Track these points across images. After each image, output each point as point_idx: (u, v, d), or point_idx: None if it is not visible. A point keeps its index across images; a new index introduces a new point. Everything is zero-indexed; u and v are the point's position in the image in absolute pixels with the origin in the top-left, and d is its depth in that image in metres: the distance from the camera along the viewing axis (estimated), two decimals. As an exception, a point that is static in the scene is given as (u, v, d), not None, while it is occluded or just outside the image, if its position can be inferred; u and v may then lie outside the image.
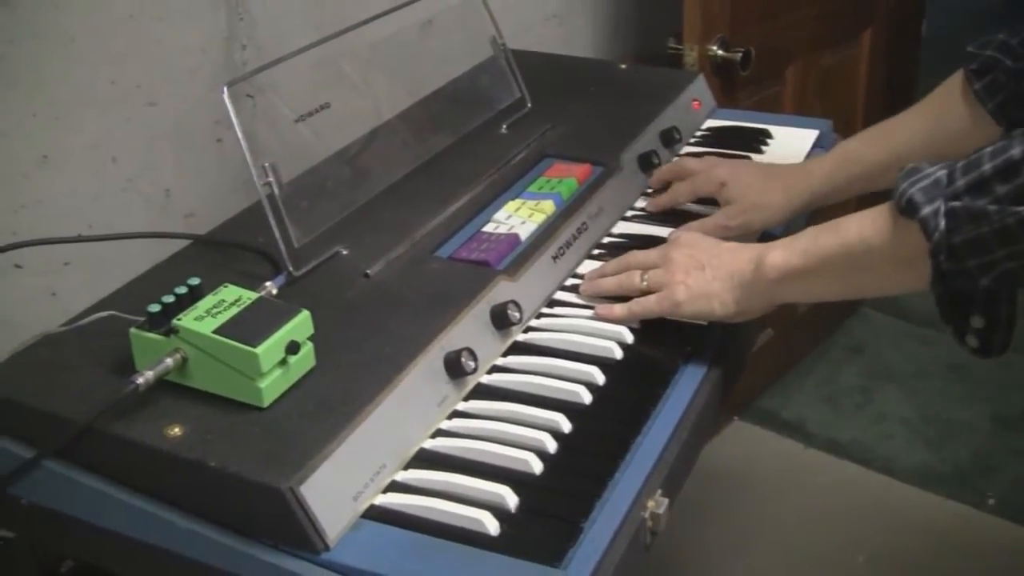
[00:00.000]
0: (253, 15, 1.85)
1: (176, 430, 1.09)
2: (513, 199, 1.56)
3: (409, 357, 1.20)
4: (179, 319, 1.14)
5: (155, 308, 1.14)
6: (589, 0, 2.65)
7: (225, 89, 1.34)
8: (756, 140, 1.87)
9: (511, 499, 1.09)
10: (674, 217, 1.64)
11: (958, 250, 1.07)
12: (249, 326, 1.13)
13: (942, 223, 1.07)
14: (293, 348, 1.14)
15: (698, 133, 1.92)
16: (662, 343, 1.36)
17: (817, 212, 1.66)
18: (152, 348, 1.15)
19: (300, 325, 1.16)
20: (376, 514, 1.09)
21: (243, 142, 1.33)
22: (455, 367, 1.23)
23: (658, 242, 1.47)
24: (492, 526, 1.05)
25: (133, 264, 1.42)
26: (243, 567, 1.06)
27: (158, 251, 1.46)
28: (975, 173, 1.06)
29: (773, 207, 1.59)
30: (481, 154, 1.69)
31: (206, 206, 1.82)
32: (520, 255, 1.43)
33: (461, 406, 1.24)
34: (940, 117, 1.54)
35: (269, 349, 1.11)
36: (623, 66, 2.09)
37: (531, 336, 1.37)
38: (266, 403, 1.12)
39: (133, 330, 1.16)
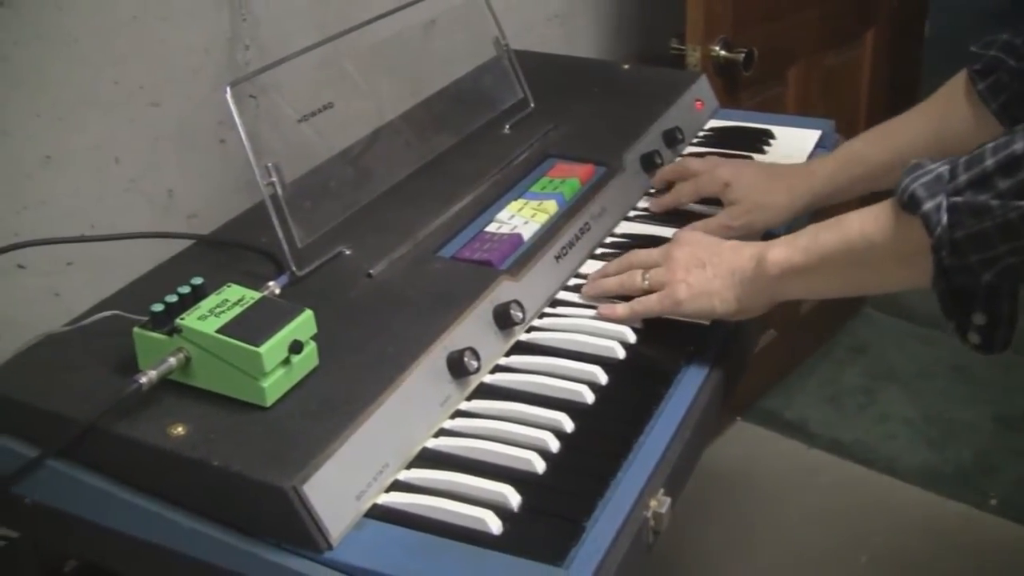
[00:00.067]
0: (256, 15, 1.85)
1: (179, 429, 1.10)
2: (516, 199, 1.56)
3: (412, 357, 1.20)
4: (182, 318, 1.14)
5: (158, 307, 1.14)
6: (592, 0, 2.65)
7: (228, 89, 1.34)
8: (759, 140, 1.87)
9: (514, 498, 1.09)
10: (677, 217, 1.64)
11: (960, 245, 1.07)
12: (252, 326, 1.13)
13: (944, 218, 1.07)
14: (296, 348, 1.14)
15: (701, 133, 1.92)
16: (665, 343, 1.37)
17: (819, 212, 1.66)
18: (155, 347, 1.15)
19: (303, 325, 1.16)
20: (379, 513, 1.09)
21: (246, 142, 1.33)
22: (458, 367, 1.23)
23: (661, 242, 1.47)
24: (495, 525, 1.06)
25: (136, 264, 1.42)
26: (246, 566, 1.06)
27: (161, 251, 1.46)
28: (977, 168, 1.06)
29: (776, 207, 1.59)
30: (484, 154, 1.69)
31: (209, 206, 1.83)
32: (523, 255, 1.43)
33: (464, 405, 1.24)
34: (944, 118, 1.54)
35: (272, 348, 1.11)
36: (626, 66, 2.09)
37: (534, 336, 1.37)
38: (269, 402, 1.13)
39: (136, 329, 1.16)
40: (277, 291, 1.31)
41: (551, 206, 1.53)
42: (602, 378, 1.28)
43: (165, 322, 1.15)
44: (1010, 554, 2.67)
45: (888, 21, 3.14)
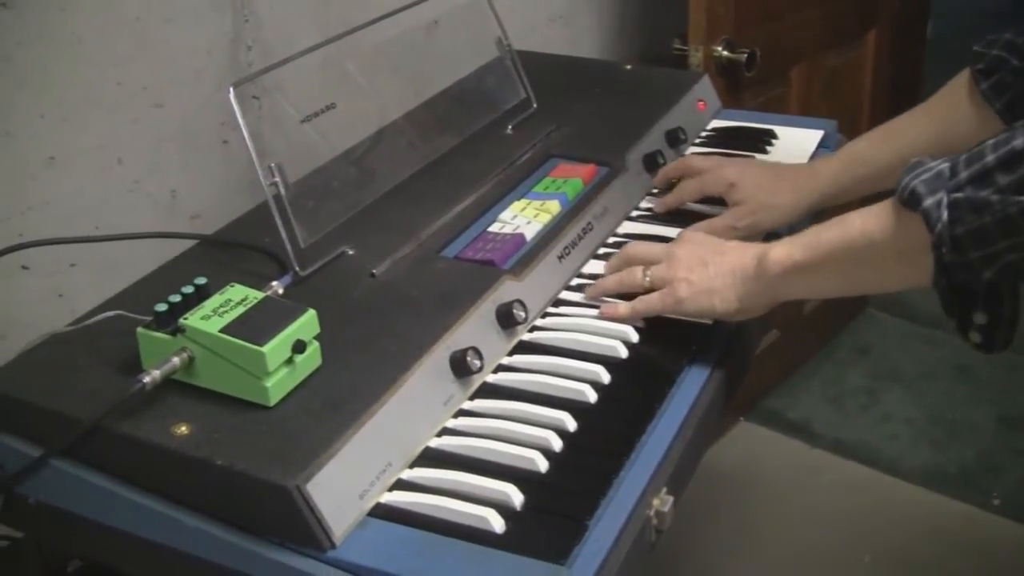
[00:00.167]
0: (259, 16, 1.85)
1: (183, 429, 1.10)
2: (519, 199, 1.57)
3: (415, 356, 1.20)
4: (186, 318, 1.14)
5: (162, 307, 1.15)
6: (594, 1, 2.66)
7: (231, 90, 1.34)
8: (761, 140, 1.88)
9: (516, 497, 1.09)
10: (680, 217, 1.64)
11: (960, 241, 1.07)
12: (255, 325, 1.14)
13: (944, 214, 1.07)
14: (299, 347, 1.14)
15: (703, 133, 1.92)
16: (667, 342, 1.37)
17: (821, 213, 1.66)
18: (159, 347, 1.15)
19: (306, 324, 1.16)
20: (382, 512, 1.09)
21: (249, 143, 1.33)
22: (461, 366, 1.23)
23: (663, 242, 1.47)
24: (498, 524, 1.06)
25: (139, 265, 1.42)
26: (249, 565, 1.07)
27: (164, 252, 1.46)
28: (978, 165, 1.06)
29: (782, 208, 1.59)
30: (487, 154, 1.69)
31: (212, 207, 1.83)
32: (526, 255, 1.43)
33: (467, 405, 1.25)
34: (947, 118, 1.54)
35: (275, 348, 1.12)
36: (628, 67, 2.09)
37: (536, 335, 1.37)
38: (272, 402, 1.13)
39: (140, 329, 1.16)
40: (280, 291, 1.31)
41: (554, 206, 1.54)
42: (605, 377, 1.28)
43: (169, 322, 1.15)
44: (1013, 554, 2.67)
45: (890, 21, 3.14)
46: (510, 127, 1.78)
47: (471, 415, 1.23)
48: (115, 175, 1.71)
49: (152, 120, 1.74)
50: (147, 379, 1.12)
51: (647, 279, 1.39)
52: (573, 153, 1.70)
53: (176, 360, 1.14)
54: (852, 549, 2.68)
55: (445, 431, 1.21)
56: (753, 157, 1.79)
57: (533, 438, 1.17)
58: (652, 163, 1.72)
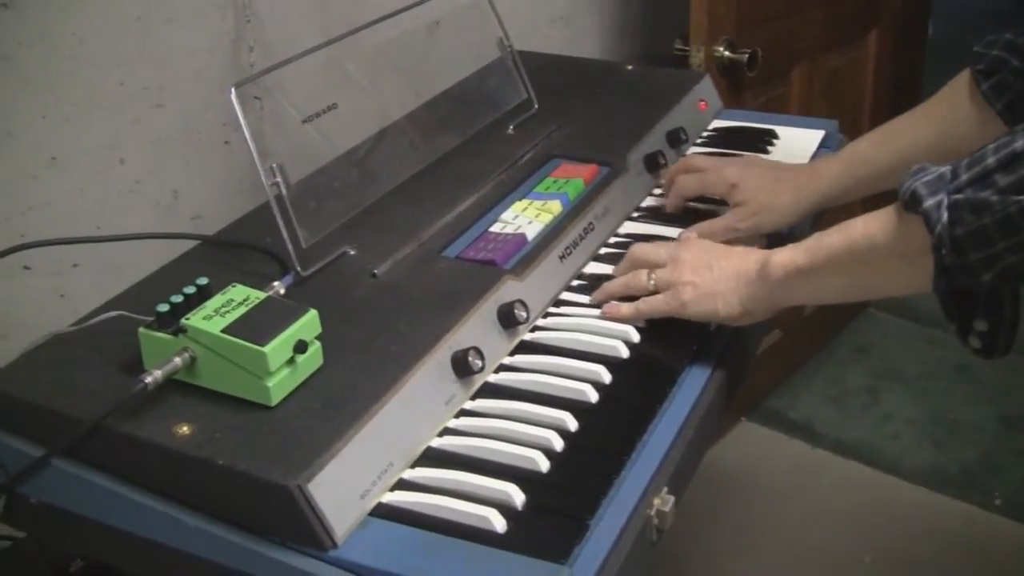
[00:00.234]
0: (260, 17, 1.85)
1: (184, 429, 1.10)
2: (520, 199, 1.57)
3: (416, 356, 1.20)
4: (187, 318, 1.14)
5: (164, 308, 1.15)
6: (596, 2, 2.66)
7: (232, 90, 1.34)
8: (762, 140, 1.88)
9: (518, 497, 1.09)
10: (682, 217, 1.64)
11: (960, 243, 1.07)
12: (257, 325, 1.14)
13: (944, 215, 1.07)
14: (301, 347, 1.14)
15: (704, 133, 1.92)
16: (668, 342, 1.37)
17: (822, 215, 1.66)
18: (161, 347, 1.15)
19: (308, 324, 1.16)
20: (384, 512, 1.09)
21: (251, 143, 1.33)
22: (462, 366, 1.23)
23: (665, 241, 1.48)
24: (499, 524, 1.06)
25: (141, 265, 1.42)
26: (251, 565, 1.07)
27: (166, 252, 1.46)
28: (978, 167, 1.06)
29: (783, 209, 1.59)
30: (488, 155, 1.69)
31: (214, 208, 1.83)
32: (527, 255, 1.43)
33: (468, 405, 1.25)
34: (948, 118, 1.54)
35: (277, 348, 1.12)
36: (629, 67, 2.09)
37: (538, 335, 1.37)
38: (274, 402, 1.13)
39: (142, 329, 1.16)
40: (282, 291, 1.31)
41: (555, 206, 1.54)
42: (606, 377, 1.28)
43: (170, 322, 1.15)
44: (1014, 554, 2.67)
45: (891, 22, 3.14)
46: (511, 127, 1.78)
47: (472, 415, 1.24)
48: (117, 175, 1.71)
49: (154, 120, 1.74)
50: (149, 379, 1.12)
51: (651, 282, 1.39)
52: (574, 153, 1.70)
53: (178, 360, 1.14)
54: (853, 549, 2.69)
55: (446, 431, 1.21)
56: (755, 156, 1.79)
57: (534, 438, 1.18)
58: (653, 163, 1.72)
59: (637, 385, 1.29)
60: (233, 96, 1.34)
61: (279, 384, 1.13)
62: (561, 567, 1.01)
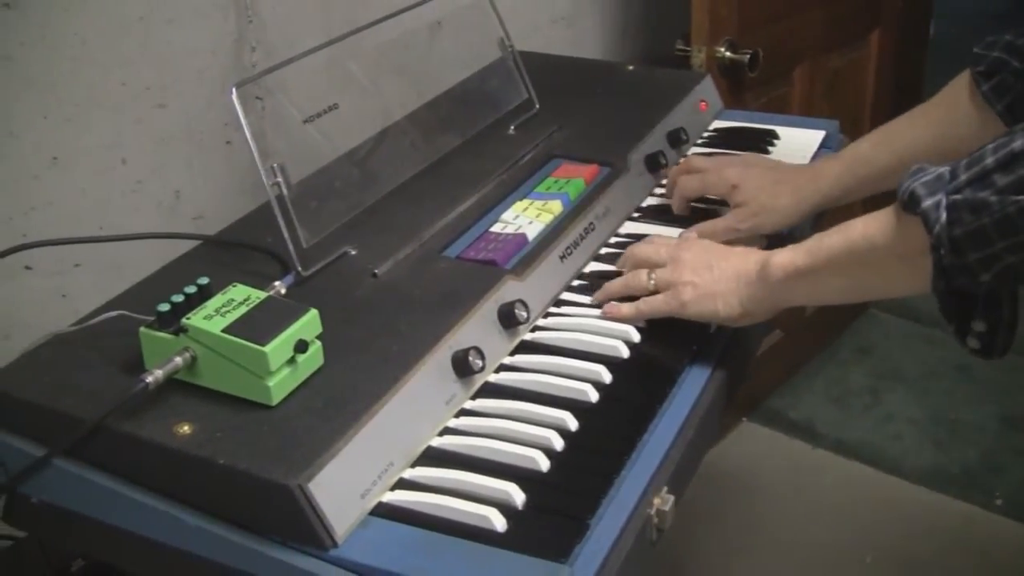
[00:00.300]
0: (262, 17, 1.86)
1: (185, 428, 1.10)
2: (521, 199, 1.57)
3: (417, 356, 1.21)
4: (188, 318, 1.14)
5: (164, 307, 1.15)
6: (597, 2, 2.66)
7: (234, 90, 1.34)
8: (763, 141, 1.88)
9: (518, 496, 1.09)
10: (682, 217, 1.65)
11: (959, 243, 1.07)
12: (258, 325, 1.14)
13: (943, 216, 1.07)
14: (301, 347, 1.14)
15: (705, 134, 1.92)
16: (669, 342, 1.37)
17: (823, 215, 1.66)
18: (162, 347, 1.15)
19: (308, 324, 1.16)
20: (384, 511, 1.09)
21: (252, 143, 1.34)
22: (463, 366, 1.24)
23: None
24: (499, 523, 1.06)
25: (142, 265, 1.42)
26: (252, 564, 1.07)
27: (167, 252, 1.46)
28: (977, 167, 1.06)
29: (784, 210, 1.59)
30: (489, 155, 1.70)
31: (215, 208, 1.83)
32: (528, 255, 1.43)
33: (468, 404, 1.25)
34: (948, 119, 1.54)
35: (278, 348, 1.12)
36: (630, 67, 2.10)
37: (538, 335, 1.37)
38: (275, 401, 1.13)
39: (143, 329, 1.16)
40: (283, 291, 1.32)
41: (556, 206, 1.54)
42: (606, 377, 1.29)
43: (171, 322, 1.15)
44: (1015, 554, 2.67)
45: (893, 22, 3.14)
46: (512, 128, 1.78)
47: (473, 414, 1.24)
48: (118, 175, 1.71)
49: (155, 120, 1.74)
50: (150, 379, 1.12)
51: (652, 282, 1.39)
52: (575, 153, 1.70)
53: (179, 360, 1.14)
54: (854, 548, 2.69)
55: (447, 430, 1.21)
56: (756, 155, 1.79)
57: (535, 437, 1.18)
58: (654, 163, 1.72)
59: (637, 385, 1.29)
60: (235, 96, 1.34)
61: (280, 384, 1.13)
62: (561, 566, 1.01)
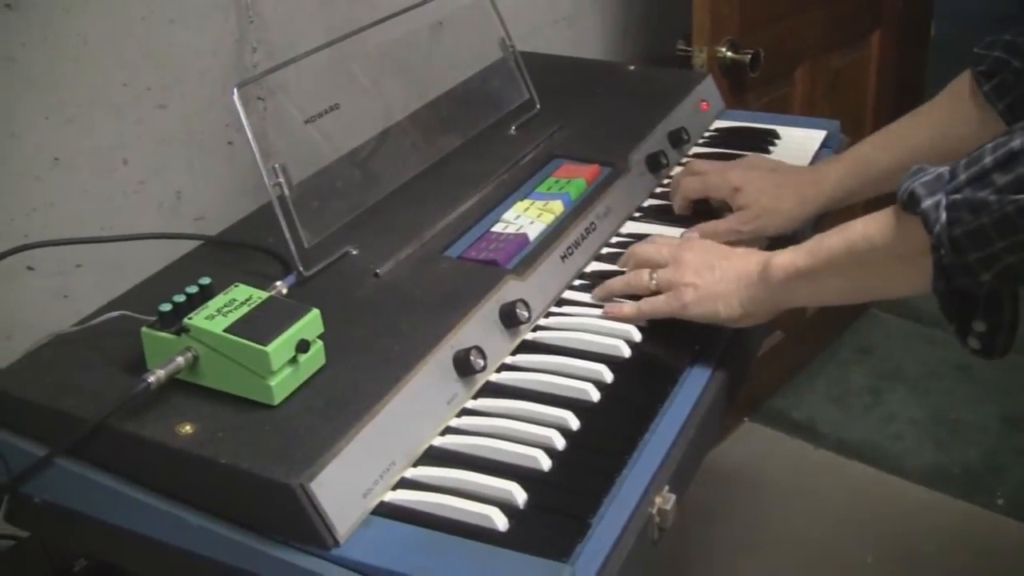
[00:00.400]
0: (263, 18, 1.86)
1: (187, 428, 1.10)
2: (522, 199, 1.57)
3: (418, 356, 1.21)
4: (190, 318, 1.14)
5: (166, 307, 1.15)
6: (598, 2, 2.66)
7: (235, 91, 1.34)
8: (764, 140, 1.88)
9: (519, 495, 1.09)
10: (683, 217, 1.65)
11: (959, 242, 1.07)
12: (259, 325, 1.14)
13: (943, 216, 1.07)
14: (303, 346, 1.14)
15: (706, 134, 1.92)
16: (670, 342, 1.37)
17: (823, 217, 1.66)
18: (163, 347, 1.15)
19: (310, 324, 1.16)
20: (386, 510, 1.09)
21: (253, 143, 1.34)
22: (464, 365, 1.24)
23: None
24: (501, 522, 1.06)
25: (144, 266, 1.42)
26: (254, 563, 1.07)
27: (169, 252, 1.46)
28: (976, 167, 1.06)
29: (787, 213, 1.59)
30: (490, 155, 1.70)
31: (217, 208, 1.83)
32: (529, 255, 1.43)
33: (470, 404, 1.25)
34: (950, 119, 1.54)
35: (279, 347, 1.12)
36: (631, 67, 2.10)
37: (540, 335, 1.37)
38: (276, 401, 1.13)
39: (144, 329, 1.16)
40: (284, 291, 1.32)
41: (557, 206, 1.54)
42: (608, 377, 1.29)
43: (173, 322, 1.15)
44: (1016, 553, 2.67)
45: (894, 22, 3.14)
46: (513, 128, 1.78)
47: (474, 414, 1.24)
48: (120, 176, 1.71)
49: (157, 121, 1.74)
50: (152, 379, 1.12)
51: (653, 282, 1.39)
52: (576, 153, 1.70)
53: (180, 360, 1.14)
54: (855, 548, 2.69)
55: (449, 430, 1.21)
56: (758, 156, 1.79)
57: (536, 437, 1.18)
58: (655, 163, 1.72)
59: (639, 384, 1.29)
60: (236, 97, 1.34)
61: (281, 383, 1.13)
62: (563, 565, 1.01)
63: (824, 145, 1.88)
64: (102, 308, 1.31)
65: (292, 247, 1.36)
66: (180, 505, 1.10)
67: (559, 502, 1.10)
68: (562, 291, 1.46)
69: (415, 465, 1.15)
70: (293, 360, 1.14)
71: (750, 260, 1.35)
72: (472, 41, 1.88)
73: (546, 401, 1.24)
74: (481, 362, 1.25)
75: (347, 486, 1.07)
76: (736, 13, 2.47)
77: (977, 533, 2.75)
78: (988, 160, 1.05)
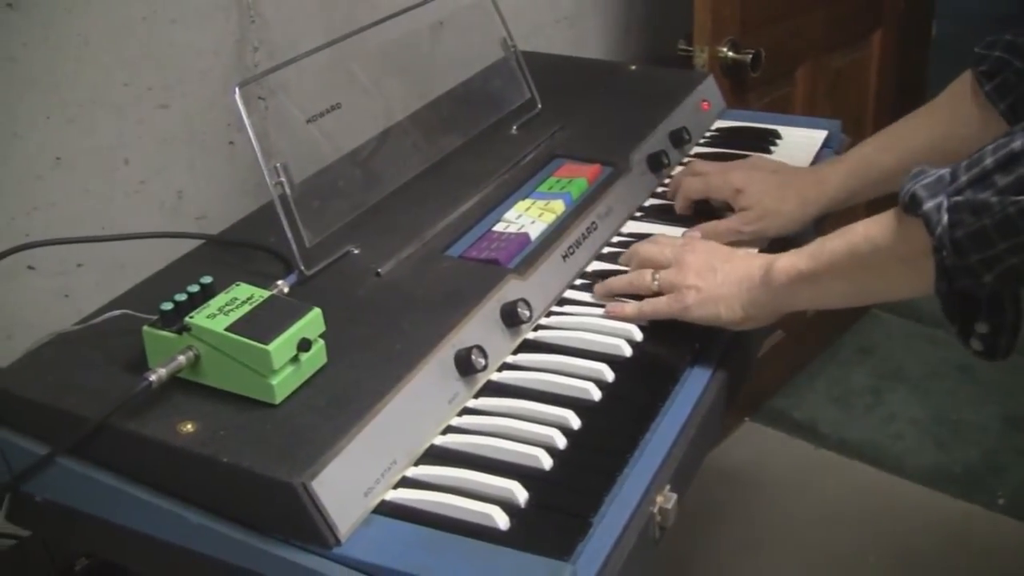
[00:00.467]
0: (265, 17, 1.86)
1: (189, 427, 1.10)
2: (523, 199, 1.57)
3: (420, 355, 1.21)
4: (192, 317, 1.14)
5: (168, 306, 1.15)
6: (600, 2, 2.66)
7: (237, 90, 1.34)
8: (765, 140, 1.88)
9: (521, 494, 1.09)
10: (685, 217, 1.65)
11: (960, 244, 1.07)
12: (261, 324, 1.14)
13: (945, 218, 1.07)
14: (305, 345, 1.14)
15: (707, 134, 1.92)
16: (671, 341, 1.37)
17: (825, 219, 1.66)
18: (165, 346, 1.15)
19: (311, 323, 1.16)
20: (387, 509, 1.09)
21: (255, 143, 1.34)
22: (465, 364, 1.24)
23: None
24: (502, 521, 1.06)
25: (145, 265, 1.42)
26: (255, 562, 1.07)
27: (170, 252, 1.46)
28: (977, 168, 1.06)
29: (788, 214, 1.59)
30: (491, 154, 1.70)
31: (218, 208, 1.84)
32: (530, 254, 1.44)
33: (471, 403, 1.25)
34: (951, 120, 1.54)
35: (281, 346, 1.12)
36: (632, 67, 2.10)
37: (541, 334, 1.37)
38: (278, 400, 1.13)
39: (146, 328, 1.17)
40: (286, 290, 1.32)
41: (558, 206, 1.54)
42: (609, 376, 1.29)
43: (174, 320, 1.15)
44: (1018, 553, 2.67)
45: (895, 22, 3.14)
46: (515, 127, 1.79)
47: (476, 413, 1.24)
48: (121, 176, 1.71)
49: (158, 121, 1.74)
50: (153, 377, 1.12)
51: (656, 283, 1.39)
52: (577, 153, 1.70)
53: (182, 358, 1.14)
54: (857, 548, 2.69)
55: (450, 429, 1.21)
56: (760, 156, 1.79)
57: (537, 436, 1.18)
58: (656, 163, 1.72)
59: (640, 383, 1.29)
60: (237, 96, 1.34)
61: (283, 382, 1.13)
62: (564, 564, 1.01)
63: (825, 145, 1.88)
64: (103, 307, 1.31)
65: (293, 246, 1.36)
66: (181, 504, 1.10)
67: (560, 501, 1.10)
68: (563, 290, 1.46)
69: (416, 464, 1.15)
70: (294, 359, 1.14)
71: (752, 263, 1.35)
72: (473, 41, 1.88)
73: (547, 400, 1.24)
74: (482, 361, 1.25)
75: (348, 485, 1.07)
76: (737, 13, 2.47)
77: (978, 533, 2.75)
78: (989, 161, 1.05)
